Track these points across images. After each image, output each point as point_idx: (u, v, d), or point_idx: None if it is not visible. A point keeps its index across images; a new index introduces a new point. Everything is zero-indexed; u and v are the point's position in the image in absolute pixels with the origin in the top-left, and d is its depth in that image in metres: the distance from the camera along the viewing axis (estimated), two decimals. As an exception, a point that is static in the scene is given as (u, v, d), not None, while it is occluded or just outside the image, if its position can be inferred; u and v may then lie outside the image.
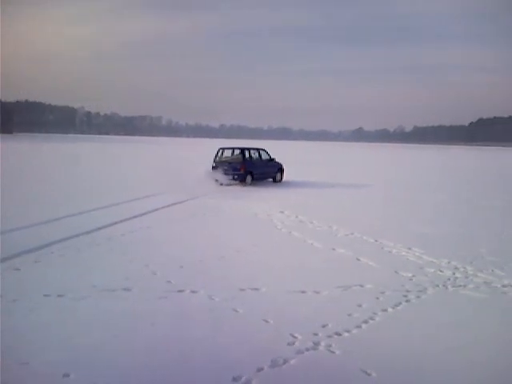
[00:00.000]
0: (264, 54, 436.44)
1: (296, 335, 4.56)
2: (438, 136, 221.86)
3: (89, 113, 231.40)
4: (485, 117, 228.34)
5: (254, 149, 19.18)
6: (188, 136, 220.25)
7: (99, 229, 9.20)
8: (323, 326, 4.81)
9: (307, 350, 4.30)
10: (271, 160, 19.65)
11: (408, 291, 6.04)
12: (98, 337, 4.46)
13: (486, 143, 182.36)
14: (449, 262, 7.49)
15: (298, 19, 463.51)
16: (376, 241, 8.84)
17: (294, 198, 14.77)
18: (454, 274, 6.92)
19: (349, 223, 10.50)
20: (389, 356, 4.29)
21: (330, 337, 4.58)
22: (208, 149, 30.28)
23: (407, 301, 5.71)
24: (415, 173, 29.49)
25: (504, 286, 6.44)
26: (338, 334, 4.67)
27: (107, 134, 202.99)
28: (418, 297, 5.87)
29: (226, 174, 17.60)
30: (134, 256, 7.31)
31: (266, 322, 4.91)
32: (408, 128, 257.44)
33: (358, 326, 4.87)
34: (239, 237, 9.05)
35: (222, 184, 17.36)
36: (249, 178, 17.89)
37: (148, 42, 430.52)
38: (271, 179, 19.58)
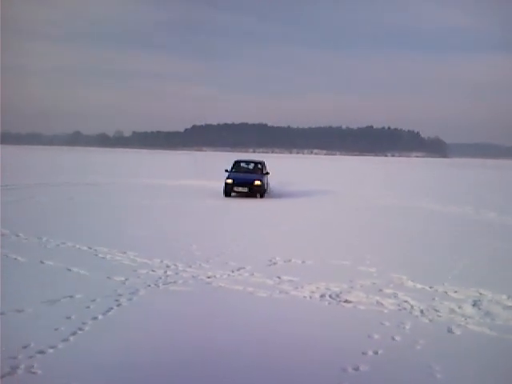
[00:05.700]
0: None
1: (-11, 363, 4.05)
2: (156, 141, 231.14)
3: None
4: (198, 124, 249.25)
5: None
6: None
7: None
8: (24, 347, 4.39)
9: (3, 376, 3.85)
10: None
11: (120, 295, 6.05)
12: None
13: (200, 148, 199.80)
14: (161, 261, 7.81)
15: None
16: (90, 248, 8.60)
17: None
18: (165, 272, 7.25)
19: (60, 232, 9.95)
20: (96, 363, 4.20)
21: (31, 357, 4.21)
22: None
23: (119, 305, 5.70)
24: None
25: (208, 277, 7.06)
26: (42, 352, 4.33)
27: None
28: (130, 299, 5.93)
29: None
30: None
31: (-49, 355, 4.21)
32: (127, 133, 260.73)
33: (65, 340, 4.62)
34: None
35: None
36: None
37: None
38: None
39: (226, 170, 19.89)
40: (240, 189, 18.71)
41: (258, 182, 18.75)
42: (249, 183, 18.77)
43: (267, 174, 20.58)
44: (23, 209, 13.75)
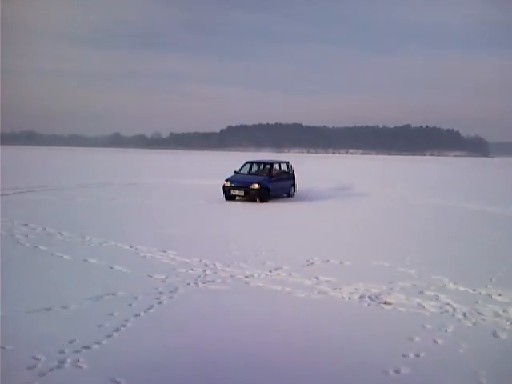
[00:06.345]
0: None
1: (38, 357, 4.20)
2: (193, 142, 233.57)
3: None
4: (233, 125, 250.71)
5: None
6: None
7: None
8: (70, 342, 4.54)
9: (51, 370, 3.99)
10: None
11: (161, 293, 6.16)
12: None
13: (237, 148, 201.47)
14: (200, 261, 7.91)
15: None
16: (131, 247, 8.79)
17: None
18: (204, 271, 7.34)
19: (102, 231, 10.20)
20: (140, 359, 4.30)
21: (77, 352, 4.35)
22: None
23: (160, 303, 5.82)
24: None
25: (246, 277, 7.11)
26: (87, 347, 4.47)
27: None
28: (171, 297, 6.04)
29: None
30: None
31: (3, 348, 4.39)
32: (165, 134, 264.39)
33: (109, 336, 4.75)
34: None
35: None
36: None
37: None
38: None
39: (236, 171, 18.50)
40: (237, 192, 16.99)
41: (255, 186, 16.78)
42: (245, 186, 16.92)
43: (278, 175, 18.29)
44: (67, 209, 14.18)
